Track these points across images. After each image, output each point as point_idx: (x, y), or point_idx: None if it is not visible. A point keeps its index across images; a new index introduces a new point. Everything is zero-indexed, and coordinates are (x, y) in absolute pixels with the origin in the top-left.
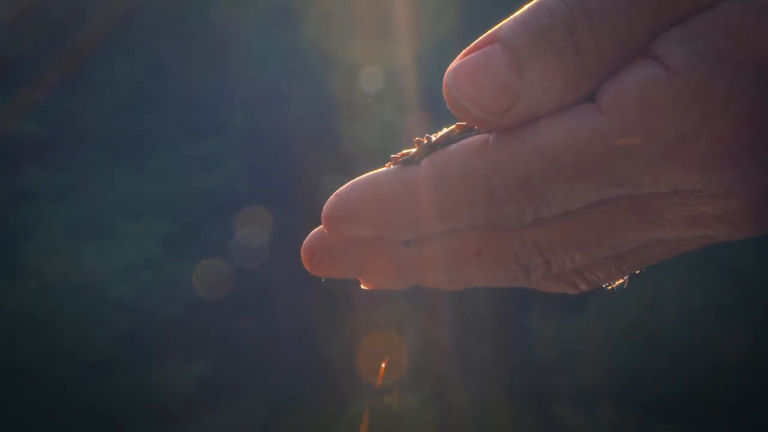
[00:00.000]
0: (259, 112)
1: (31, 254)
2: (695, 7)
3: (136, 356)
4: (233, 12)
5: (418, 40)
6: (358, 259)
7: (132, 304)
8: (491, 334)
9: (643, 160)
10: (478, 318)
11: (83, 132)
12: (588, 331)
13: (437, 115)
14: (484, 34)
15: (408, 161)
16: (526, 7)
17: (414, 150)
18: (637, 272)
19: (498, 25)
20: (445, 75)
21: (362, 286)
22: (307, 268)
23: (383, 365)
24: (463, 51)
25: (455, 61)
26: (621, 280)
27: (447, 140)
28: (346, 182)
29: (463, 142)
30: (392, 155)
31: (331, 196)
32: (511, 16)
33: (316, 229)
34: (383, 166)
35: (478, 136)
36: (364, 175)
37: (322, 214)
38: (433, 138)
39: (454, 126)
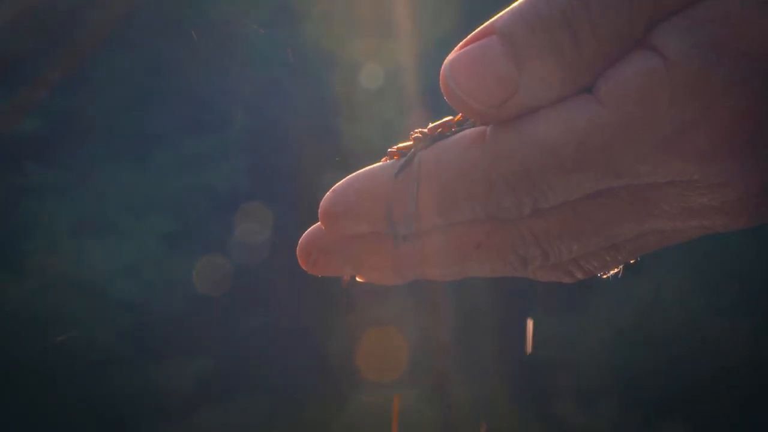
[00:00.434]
0: (260, 109)
1: (32, 252)
2: None
3: (137, 354)
4: (234, 10)
5: (420, 38)
6: (355, 256)
7: (133, 302)
8: (493, 332)
9: (641, 151)
10: (480, 315)
11: (84, 130)
12: (590, 330)
13: (439, 112)
14: (482, 26)
15: (404, 155)
16: None
17: (410, 144)
18: (631, 261)
19: (496, 17)
20: (443, 67)
21: (358, 280)
22: (304, 267)
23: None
24: (461, 43)
25: (453, 52)
26: (616, 269)
27: (442, 133)
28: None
29: (460, 134)
30: (389, 149)
31: (328, 192)
32: (509, 7)
33: (310, 228)
34: (379, 161)
35: (475, 128)
36: (361, 170)
37: (320, 211)
38: (428, 130)
39: (449, 118)
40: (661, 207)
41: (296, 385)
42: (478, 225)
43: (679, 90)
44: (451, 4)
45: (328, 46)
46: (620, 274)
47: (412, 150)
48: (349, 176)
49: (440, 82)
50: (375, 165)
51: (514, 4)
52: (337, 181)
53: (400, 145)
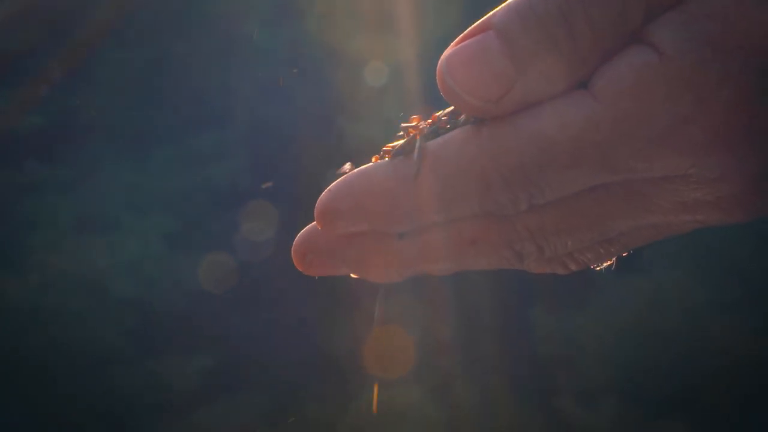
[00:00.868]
0: (262, 106)
1: (34, 248)
2: None
3: (138, 351)
4: (236, 6)
5: (423, 35)
6: (351, 255)
7: (135, 299)
8: (494, 329)
9: (636, 146)
10: (482, 313)
11: (87, 127)
12: (591, 327)
13: (440, 109)
14: (478, 21)
15: (400, 153)
16: None
17: (404, 142)
18: (624, 254)
19: (492, 12)
20: (440, 62)
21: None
22: (299, 269)
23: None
24: (458, 38)
25: (449, 48)
26: (609, 262)
27: (436, 131)
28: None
29: (456, 131)
30: (383, 147)
31: (324, 192)
32: (505, 3)
33: (304, 229)
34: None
35: (471, 125)
36: (357, 170)
37: (316, 211)
38: (422, 125)
39: (441, 113)
40: (655, 202)
41: (299, 383)
42: (475, 221)
43: (673, 84)
44: (454, 1)
45: (331, 43)
46: (613, 267)
47: (408, 147)
48: (345, 176)
49: (437, 78)
50: (369, 164)
51: (511, 0)
52: (337, 179)
53: (395, 143)
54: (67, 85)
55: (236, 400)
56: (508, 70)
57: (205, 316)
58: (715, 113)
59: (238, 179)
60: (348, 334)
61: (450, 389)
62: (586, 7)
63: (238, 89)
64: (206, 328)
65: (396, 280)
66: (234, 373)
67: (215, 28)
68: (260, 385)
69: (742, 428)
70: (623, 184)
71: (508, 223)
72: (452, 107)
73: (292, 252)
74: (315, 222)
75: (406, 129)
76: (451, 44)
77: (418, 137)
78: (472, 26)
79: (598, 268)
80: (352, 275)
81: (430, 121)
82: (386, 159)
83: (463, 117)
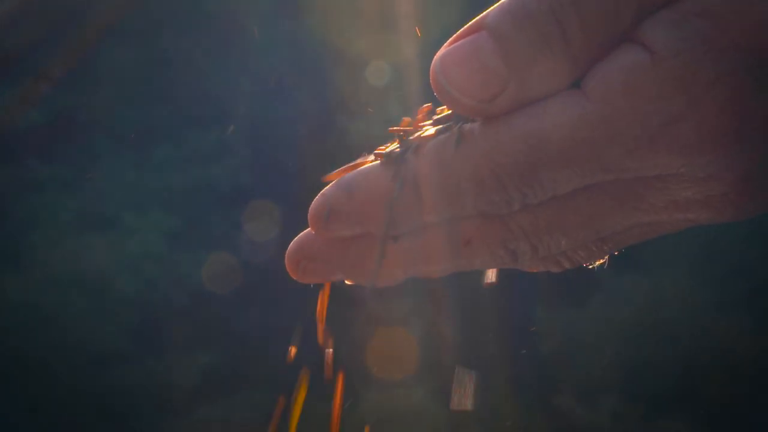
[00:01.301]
0: (263, 105)
1: (35, 246)
2: None
3: (141, 348)
4: (237, 5)
5: (424, 33)
6: (345, 260)
7: (137, 297)
8: (496, 327)
9: (629, 145)
10: (483, 312)
11: (87, 124)
12: (592, 324)
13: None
14: (471, 21)
15: (393, 155)
16: None
17: (395, 144)
18: (616, 252)
19: (485, 12)
20: (433, 62)
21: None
22: (294, 277)
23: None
24: (451, 38)
25: (442, 48)
26: (603, 260)
27: (429, 132)
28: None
29: (449, 132)
30: (375, 150)
31: (317, 196)
32: (498, 3)
33: (298, 236)
34: (359, 159)
35: (465, 125)
36: (349, 173)
37: (310, 214)
38: (414, 127)
39: (432, 110)
40: (647, 201)
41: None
42: (468, 221)
43: (666, 84)
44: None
45: (332, 41)
46: (606, 265)
47: (401, 150)
48: (338, 179)
49: (430, 78)
50: (362, 167)
51: (503, 0)
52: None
53: (388, 145)
54: (67, 83)
55: (238, 398)
56: (501, 70)
57: (208, 314)
58: (707, 112)
59: (239, 178)
60: (351, 334)
61: (450, 389)
62: (578, 7)
63: (240, 88)
64: (209, 327)
65: (390, 284)
66: (236, 371)
67: (216, 27)
68: (262, 384)
69: (742, 426)
70: (616, 183)
71: (502, 223)
72: (446, 107)
73: (286, 260)
74: (308, 228)
75: (398, 131)
76: (445, 44)
77: (410, 139)
78: (466, 26)
79: (591, 267)
80: (347, 282)
81: (422, 123)
82: (379, 161)
83: (456, 117)
